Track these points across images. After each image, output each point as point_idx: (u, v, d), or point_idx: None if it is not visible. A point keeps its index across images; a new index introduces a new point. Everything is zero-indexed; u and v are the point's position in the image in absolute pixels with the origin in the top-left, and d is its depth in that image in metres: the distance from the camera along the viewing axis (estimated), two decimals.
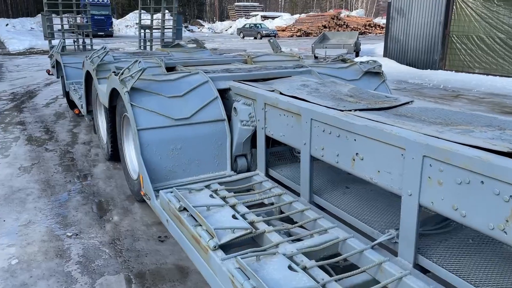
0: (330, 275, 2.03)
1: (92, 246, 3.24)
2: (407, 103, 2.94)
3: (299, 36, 39.41)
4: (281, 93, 3.28)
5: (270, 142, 3.58)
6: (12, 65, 16.13)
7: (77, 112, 6.75)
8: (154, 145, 3.27)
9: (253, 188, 3.23)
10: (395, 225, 2.50)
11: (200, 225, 2.41)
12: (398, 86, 10.75)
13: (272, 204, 2.92)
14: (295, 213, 2.68)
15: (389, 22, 14.94)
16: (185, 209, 2.64)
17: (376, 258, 2.14)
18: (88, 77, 5.21)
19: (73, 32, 9.37)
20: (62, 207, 3.92)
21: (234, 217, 2.46)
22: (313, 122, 2.75)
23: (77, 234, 3.42)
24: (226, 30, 51.60)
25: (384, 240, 2.31)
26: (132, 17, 42.28)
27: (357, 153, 2.42)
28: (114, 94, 3.95)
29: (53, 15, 9.30)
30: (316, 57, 17.08)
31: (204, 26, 56.06)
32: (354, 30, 37.06)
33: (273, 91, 3.39)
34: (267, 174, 3.47)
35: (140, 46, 9.21)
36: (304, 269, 2.01)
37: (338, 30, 37.06)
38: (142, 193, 3.35)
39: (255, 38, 37.62)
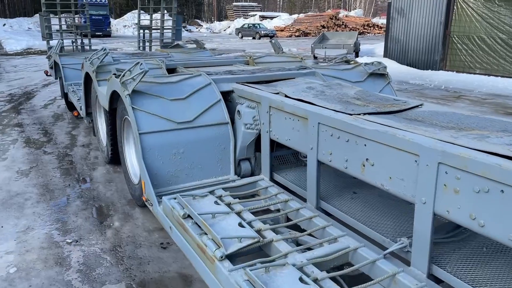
0: (342, 287, 1.96)
1: (93, 254, 3.15)
2: (417, 106, 2.86)
3: (297, 36, 39.34)
4: (286, 96, 3.20)
5: (275, 145, 3.51)
6: (9, 65, 16.01)
7: (76, 114, 6.65)
8: (156, 149, 3.19)
9: (258, 194, 3.15)
10: (406, 233, 2.43)
11: (206, 234, 2.33)
12: (399, 87, 10.68)
13: (279, 210, 2.84)
14: (303, 221, 2.60)
15: (389, 22, 14.87)
16: (189, 216, 2.56)
17: (389, 268, 2.06)
18: (88, 79, 5.12)
19: (71, 32, 9.27)
20: (62, 212, 3.83)
21: (240, 225, 2.38)
22: (320, 126, 2.67)
23: (77, 241, 3.34)
24: (224, 30, 51.50)
25: (395, 249, 2.24)
26: (130, 17, 42.13)
27: (367, 159, 2.35)
28: (114, 97, 3.86)
29: (51, 15, 9.21)
30: (315, 57, 16.99)
31: (202, 26, 55.93)
32: (353, 30, 37.05)
33: (278, 93, 3.31)
34: (272, 179, 3.40)
35: (139, 47, 9.12)
36: (315, 281, 1.93)
37: (336, 30, 37.02)
38: (144, 199, 3.27)
39: (254, 38, 37.54)
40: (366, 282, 1.98)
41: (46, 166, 5.05)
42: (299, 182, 3.24)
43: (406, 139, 2.08)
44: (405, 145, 2.09)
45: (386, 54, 15.18)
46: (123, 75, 3.37)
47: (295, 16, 51.40)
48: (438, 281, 2.09)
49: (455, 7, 12.66)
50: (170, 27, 9.05)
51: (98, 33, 32.43)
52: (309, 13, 55.77)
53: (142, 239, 3.35)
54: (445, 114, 2.65)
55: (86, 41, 9.26)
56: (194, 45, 7.86)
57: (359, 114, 2.58)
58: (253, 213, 2.70)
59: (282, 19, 48.45)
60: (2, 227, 3.56)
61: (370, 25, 43.73)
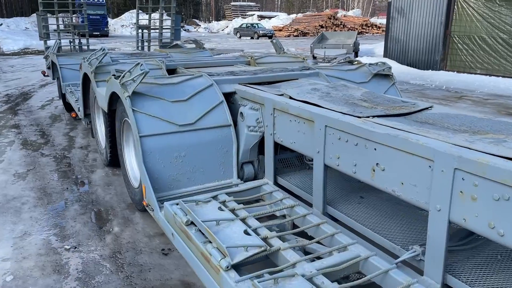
0: None
1: (92, 260, 3.05)
2: (427, 108, 2.78)
3: (296, 36, 39.26)
4: (291, 98, 3.11)
5: (279, 148, 3.42)
6: (6, 65, 15.86)
7: (74, 115, 6.54)
8: (157, 152, 3.09)
9: (262, 199, 3.06)
10: (417, 240, 2.34)
11: (210, 242, 2.24)
12: (400, 87, 10.58)
13: (285, 216, 2.75)
14: (311, 227, 2.51)
15: (390, 22, 14.79)
16: (192, 223, 2.47)
17: (402, 279, 1.98)
18: (86, 80, 5.01)
19: (68, 32, 9.15)
20: (60, 217, 3.73)
21: (246, 232, 2.29)
22: (327, 129, 2.58)
23: (75, 247, 3.24)
24: (222, 30, 51.40)
25: (408, 258, 2.15)
26: (127, 17, 41.96)
27: (377, 163, 2.26)
28: (113, 98, 3.76)
29: (49, 14, 9.09)
30: (314, 57, 16.91)
31: (200, 26, 55.78)
32: (351, 30, 36.98)
33: (282, 95, 3.22)
34: (276, 183, 3.31)
35: (137, 47, 9.01)
36: None
37: (335, 30, 36.97)
38: (144, 204, 3.17)
39: (252, 38, 37.44)
40: None
41: (44, 168, 4.95)
42: (303, 186, 3.15)
43: (419, 144, 2.00)
44: (418, 149, 2.01)
45: (386, 54, 15.09)
46: (123, 76, 3.28)
47: (293, 16, 51.40)
48: None
49: (455, 6, 12.59)
50: (169, 27, 8.95)
51: (96, 33, 32.30)
52: (307, 12, 55.66)
53: (142, 245, 3.26)
54: (456, 117, 2.56)
55: (84, 41, 9.14)
56: (193, 45, 7.76)
57: (368, 117, 2.49)
58: (258, 219, 2.60)
59: (280, 19, 48.43)
60: None
61: (369, 25, 43.74)
